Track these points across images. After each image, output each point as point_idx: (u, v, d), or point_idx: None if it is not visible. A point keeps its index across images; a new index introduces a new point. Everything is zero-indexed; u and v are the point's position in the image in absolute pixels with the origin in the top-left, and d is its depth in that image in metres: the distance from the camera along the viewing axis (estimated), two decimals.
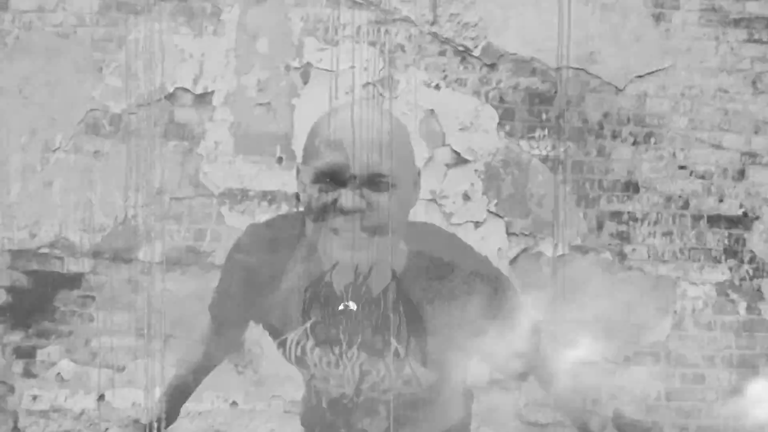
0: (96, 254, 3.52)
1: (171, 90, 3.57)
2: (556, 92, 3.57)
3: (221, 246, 3.51)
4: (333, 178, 1.49)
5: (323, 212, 1.50)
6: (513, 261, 3.55)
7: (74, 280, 3.55)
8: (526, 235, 3.55)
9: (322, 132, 1.53)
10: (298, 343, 1.65)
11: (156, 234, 3.53)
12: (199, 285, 3.44)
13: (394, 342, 1.60)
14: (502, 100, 3.58)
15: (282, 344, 1.67)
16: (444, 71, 3.59)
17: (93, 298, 3.54)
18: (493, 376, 3.39)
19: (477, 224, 3.54)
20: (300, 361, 1.67)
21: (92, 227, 3.53)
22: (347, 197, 1.47)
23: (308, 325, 1.64)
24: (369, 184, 1.49)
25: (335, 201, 1.48)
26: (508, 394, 3.49)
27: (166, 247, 3.53)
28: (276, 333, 1.69)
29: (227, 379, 3.44)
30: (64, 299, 3.56)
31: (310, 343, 1.65)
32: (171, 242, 3.52)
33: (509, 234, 3.55)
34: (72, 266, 3.54)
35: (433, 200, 3.53)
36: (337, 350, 1.64)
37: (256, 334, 1.83)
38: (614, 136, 3.58)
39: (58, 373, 3.54)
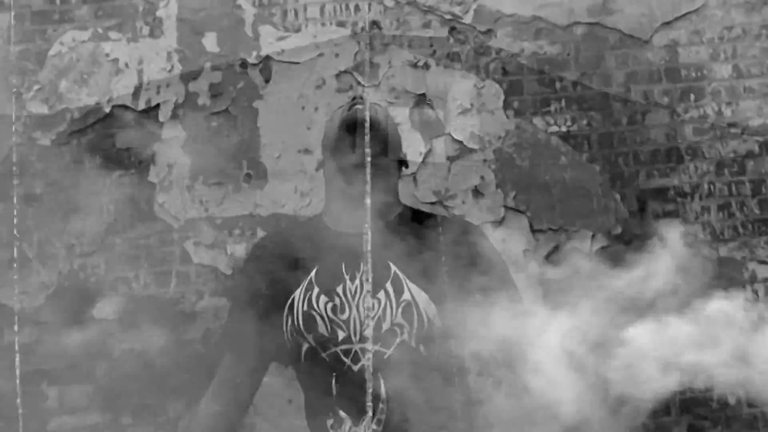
0: (38, 320, 3.27)
1: (107, 110, 3.35)
2: (569, 54, 3.38)
3: (190, 290, 3.28)
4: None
5: (342, 147, 1.99)
6: (542, 262, 3.31)
7: (18, 354, 3.15)
8: (554, 230, 3.32)
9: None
10: (304, 296, 1.94)
11: (110, 285, 3.29)
12: (169, 339, 3.22)
13: (393, 267, 1.93)
14: (505, 72, 3.38)
15: (290, 308, 1.95)
16: (431, 46, 3.39)
17: (43, 372, 3.26)
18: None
19: (495, 224, 3.32)
20: (306, 320, 1.92)
21: (32, 287, 3.28)
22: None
23: (312, 273, 1.95)
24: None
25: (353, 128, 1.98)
26: None
27: (124, 300, 3.29)
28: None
29: None
30: (7, 378, 3.12)
31: (315, 291, 1.95)
32: (129, 293, 3.29)
33: (534, 231, 3.32)
34: (11, 337, 3.25)
35: (439, 202, 3.34)
36: (340, 289, 1.93)
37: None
38: (645, 99, 3.38)
39: None
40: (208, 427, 2.12)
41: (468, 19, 3.37)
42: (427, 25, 3.38)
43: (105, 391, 3.21)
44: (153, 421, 3.18)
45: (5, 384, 3.13)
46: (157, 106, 3.35)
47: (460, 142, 3.33)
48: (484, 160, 3.33)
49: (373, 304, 1.94)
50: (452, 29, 3.38)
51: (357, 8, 3.36)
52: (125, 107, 3.34)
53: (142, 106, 3.34)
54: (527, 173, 3.33)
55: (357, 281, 1.95)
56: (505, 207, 3.31)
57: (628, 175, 3.35)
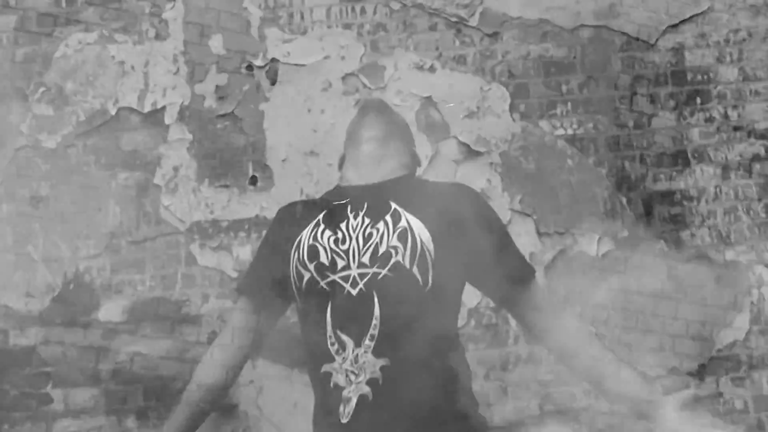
0: (46, 322, 3.21)
1: (114, 112, 3.33)
2: (575, 57, 3.35)
3: (196, 293, 3.24)
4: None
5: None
6: (549, 266, 3.24)
7: (23, 356, 3.22)
8: (561, 233, 3.27)
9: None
10: (311, 233, 2.09)
11: (115, 288, 3.24)
12: (175, 343, 3.20)
13: (393, 204, 2.07)
14: (511, 75, 3.35)
15: (297, 245, 2.09)
16: (437, 49, 3.36)
17: (48, 374, 3.21)
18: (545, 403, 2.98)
19: None
20: (310, 251, 2.06)
21: (37, 289, 3.23)
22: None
23: (321, 216, 2.11)
24: None
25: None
26: (565, 426, 3.14)
27: (129, 303, 3.23)
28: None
29: None
30: (14, 380, 3.23)
31: (321, 227, 2.09)
32: (135, 296, 3.23)
33: (541, 234, 3.27)
34: (18, 339, 3.22)
35: None
36: (344, 225, 2.07)
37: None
38: (652, 101, 3.34)
39: None
40: (210, 373, 2.22)
41: (474, 21, 3.35)
42: (433, 28, 3.35)
43: (110, 393, 3.17)
44: (157, 425, 3.13)
45: (10, 386, 3.20)
46: (163, 108, 3.32)
47: (466, 145, 3.30)
48: (491, 164, 3.30)
49: (372, 233, 2.06)
50: (458, 32, 3.35)
51: (363, 11, 3.34)
52: (131, 109, 3.32)
53: (147, 108, 3.31)
54: (533, 176, 3.29)
55: (360, 218, 2.09)
56: (512, 210, 3.27)
57: (634, 179, 3.30)
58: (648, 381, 2.03)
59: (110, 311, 3.21)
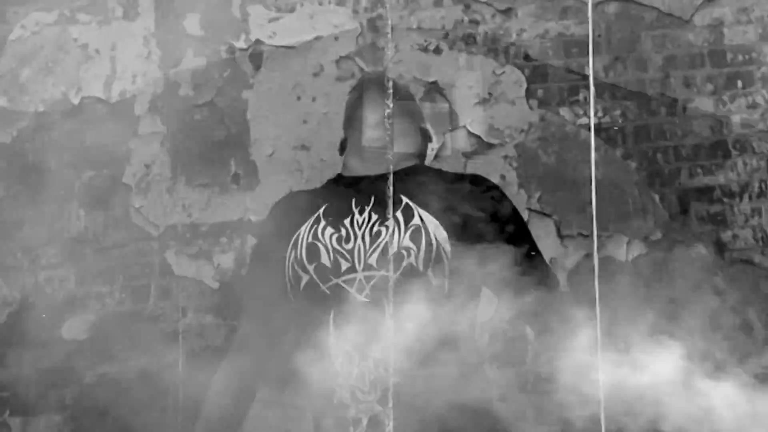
0: (1, 340, 3.25)
1: (76, 102, 3.35)
2: (599, 36, 3.27)
3: (171, 304, 3.26)
4: None
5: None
6: (573, 272, 3.18)
7: None
8: (585, 235, 3.21)
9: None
10: (310, 230, 2.05)
11: (80, 302, 3.25)
12: (150, 362, 3.09)
13: (404, 197, 2.04)
14: (527, 56, 3.29)
15: (294, 244, 2.05)
16: (443, 28, 3.31)
17: (6, 401, 3.25)
18: None
19: None
20: (310, 251, 2.02)
21: None
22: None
23: (321, 210, 2.06)
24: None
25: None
26: None
27: (96, 318, 3.25)
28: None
29: None
30: None
31: (322, 224, 2.06)
32: (102, 310, 3.26)
33: (562, 237, 3.21)
34: None
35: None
36: (347, 221, 2.03)
37: None
38: (687, 85, 3.25)
39: None
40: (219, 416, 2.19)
41: None
42: (438, 4, 3.32)
43: (75, 421, 3.17)
44: None
45: None
46: (133, 97, 3.33)
47: (477, 137, 3.27)
48: (505, 157, 3.26)
49: (381, 231, 2.03)
50: (467, 7, 3.30)
51: None
52: (96, 99, 3.33)
53: (115, 97, 3.33)
54: (553, 171, 3.26)
55: (366, 213, 2.04)
56: (529, 210, 3.23)
57: (668, 173, 3.25)
58: None
59: (75, 328, 3.22)
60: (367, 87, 2.22)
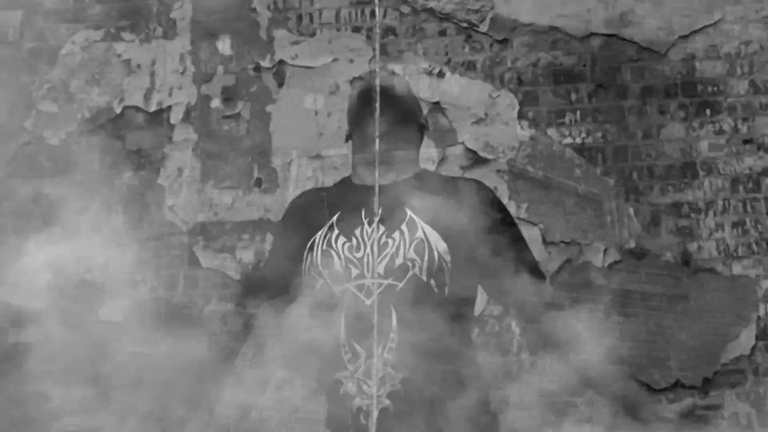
0: (44, 321, 3.10)
1: (119, 110, 3.40)
2: (585, 66, 3.38)
3: (198, 293, 3.31)
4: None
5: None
6: (555, 275, 3.27)
7: (22, 354, 3.14)
8: (567, 243, 3.31)
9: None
10: (324, 237, 2.11)
11: (117, 287, 3.20)
12: (176, 344, 3.04)
13: (408, 211, 2.09)
14: (520, 82, 3.39)
15: (311, 248, 2.12)
16: (447, 54, 3.41)
17: (47, 373, 3.14)
18: None
19: None
20: (324, 257, 2.09)
21: (38, 287, 3.11)
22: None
23: (334, 219, 2.13)
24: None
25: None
26: None
27: (131, 303, 3.19)
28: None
29: None
30: (16, 377, 3.17)
31: (335, 233, 2.11)
32: (136, 296, 3.25)
33: (547, 243, 3.31)
34: (16, 337, 3.18)
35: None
36: (358, 232, 2.08)
37: None
38: (661, 112, 3.37)
39: None
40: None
41: (484, 27, 3.38)
42: (443, 33, 3.39)
43: (109, 393, 3.13)
44: (157, 425, 3.03)
45: (9, 384, 3.23)
46: (169, 107, 3.37)
47: (474, 152, 3.33)
48: (498, 171, 3.33)
49: (388, 243, 2.08)
50: (468, 37, 3.38)
51: (372, 14, 3.37)
52: (136, 108, 3.37)
53: (153, 107, 3.37)
54: (540, 185, 3.32)
55: (374, 225, 2.10)
56: (518, 218, 3.23)
57: (642, 189, 3.34)
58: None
59: (111, 311, 3.23)
60: (368, 100, 2.16)
